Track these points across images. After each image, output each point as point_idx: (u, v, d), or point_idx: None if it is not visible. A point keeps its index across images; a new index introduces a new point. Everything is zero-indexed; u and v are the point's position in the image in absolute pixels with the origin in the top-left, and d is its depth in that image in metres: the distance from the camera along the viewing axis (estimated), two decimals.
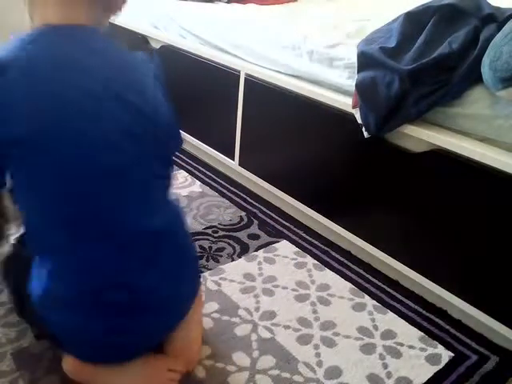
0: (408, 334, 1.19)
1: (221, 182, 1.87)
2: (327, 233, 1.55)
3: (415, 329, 1.21)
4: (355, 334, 1.17)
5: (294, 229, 1.59)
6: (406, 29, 1.23)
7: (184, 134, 2.05)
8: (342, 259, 1.45)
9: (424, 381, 1.06)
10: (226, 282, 1.32)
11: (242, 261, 1.41)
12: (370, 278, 1.38)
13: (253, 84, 1.60)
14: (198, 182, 1.84)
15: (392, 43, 1.21)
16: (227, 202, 1.72)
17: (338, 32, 1.51)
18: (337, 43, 1.40)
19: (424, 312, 1.26)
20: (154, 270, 0.86)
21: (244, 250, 1.46)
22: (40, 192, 0.79)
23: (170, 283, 0.90)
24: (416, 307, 1.28)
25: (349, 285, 1.34)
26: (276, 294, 1.29)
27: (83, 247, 0.81)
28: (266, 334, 1.15)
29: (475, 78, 1.09)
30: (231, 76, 1.67)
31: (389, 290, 1.34)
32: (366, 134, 1.25)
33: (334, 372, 1.07)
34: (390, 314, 1.25)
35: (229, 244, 1.48)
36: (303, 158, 1.52)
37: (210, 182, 1.86)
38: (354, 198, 1.40)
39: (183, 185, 1.81)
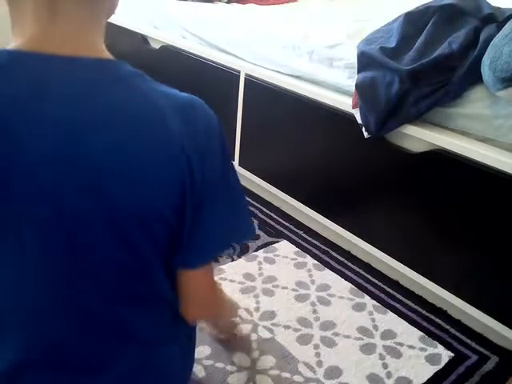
0: (408, 333, 1.19)
1: None
2: (327, 233, 1.55)
3: (415, 329, 1.21)
4: (355, 334, 1.17)
5: (294, 229, 1.59)
6: (406, 29, 1.23)
7: None
8: (341, 259, 1.45)
9: (424, 381, 1.06)
10: (226, 282, 1.32)
11: (241, 261, 1.41)
12: (370, 277, 1.38)
13: (253, 84, 1.60)
14: None
15: (392, 43, 1.21)
16: None
17: (338, 32, 1.51)
18: (337, 43, 1.40)
19: (424, 312, 1.26)
20: None
21: (244, 249, 1.46)
22: None
23: None
24: (416, 307, 1.28)
25: (349, 285, 1.34)
26: (276, 294, 1.29)
27: None
28: (266, 334, 1.15)
29: (475, 78, 1.09)
30: (231, 76, 1.67)
31: (389, 290, 1.34)
32: (366, 134, 1.25)
33: (334, 372, 1.07)
34: (390, 314, 1.25)
35: None
36: (303, 158, 1.52)
37: None
38: (354, 198, 1.40)
39: None
